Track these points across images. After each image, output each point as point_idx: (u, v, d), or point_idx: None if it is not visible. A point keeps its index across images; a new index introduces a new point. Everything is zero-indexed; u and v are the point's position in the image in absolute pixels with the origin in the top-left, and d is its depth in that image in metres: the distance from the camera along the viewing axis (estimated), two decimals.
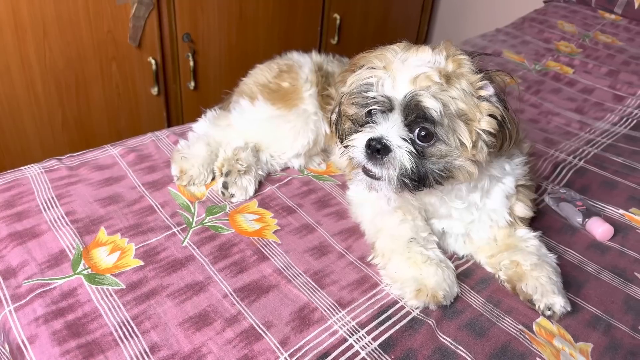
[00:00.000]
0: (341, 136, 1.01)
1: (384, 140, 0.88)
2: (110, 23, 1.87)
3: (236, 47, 2.26)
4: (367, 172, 0.93)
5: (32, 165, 1.19)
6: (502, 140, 0.93)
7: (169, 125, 2.24)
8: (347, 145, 0.93)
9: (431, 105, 0.85)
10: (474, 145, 0.89)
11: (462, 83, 0.87)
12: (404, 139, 0.88)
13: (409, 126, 0.89)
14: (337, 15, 2.54)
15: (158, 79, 2.07)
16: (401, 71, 0.89)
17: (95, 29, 1.85)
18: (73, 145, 2.00)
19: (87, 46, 1.86)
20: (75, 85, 1.91)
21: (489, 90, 0.89)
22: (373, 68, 0.92)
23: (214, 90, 2.27)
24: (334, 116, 1.05)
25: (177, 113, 2.24)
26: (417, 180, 0.90)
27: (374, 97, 0.90)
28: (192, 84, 2.17)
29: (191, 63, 2.12)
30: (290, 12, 2.37)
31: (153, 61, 2.01)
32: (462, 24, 3.11)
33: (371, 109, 0.92)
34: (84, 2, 1.78)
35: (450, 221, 1.06)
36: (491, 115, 0.88)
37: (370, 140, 0.89)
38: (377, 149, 0.88)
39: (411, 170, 0.88)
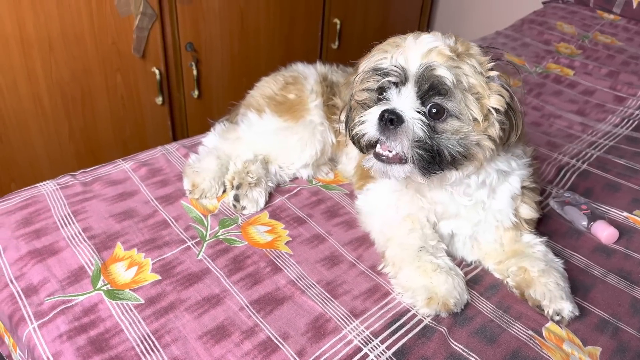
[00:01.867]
0: (353, 135, 1.00)
1: (398, 111, 0.90)
2: (115, 35, 1.89)
3: (238, 55, 2.29)
4: (378, 156, 0.94)
5: (47, 181, 1.21)
6: (509, 130, 0.95)
7: (174, 133, 2.26)
8: (359, 122, 0.94)
9: (445, 74, 0.88)
10: (486, 119, 0.91)
11: (472, 60, 0.91)
12: (417, 112, 0.90)
13: (422, 99, 0.91)
14: (337, 20, 2.56)
15: (162, 88, 2.09)
16: (414, 48, 0.92)
17: (99, 41, 1.87)
18: (80, 156, 2.03)
19: (92, 59, 1.88)
20: (81, 97, 1.93)
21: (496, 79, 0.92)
22: (385, 51, 0.95)
23: (217, 98, 2.30)
24: (343, 116, 1.06)
25: (181, 122, 2.26)
26: (431, 152, 0.91)
27: (387, 68, 0.92)
28: (196, 92, 2.19)
29: (194, 72, 2.14)
30: (290, 19, 2.39)
31: (157, 71, 2.04)
32: (461, 26, 3.12)
33: (384, 85, 0.94)
34: (89, 16, 1.80)
35: (458, 221, 1.07)
36: (499, 95, 0.91)
37: (383, 112, 0.90)
38: (390, 119, 0.89)
39: (424, 141, 0.90)
